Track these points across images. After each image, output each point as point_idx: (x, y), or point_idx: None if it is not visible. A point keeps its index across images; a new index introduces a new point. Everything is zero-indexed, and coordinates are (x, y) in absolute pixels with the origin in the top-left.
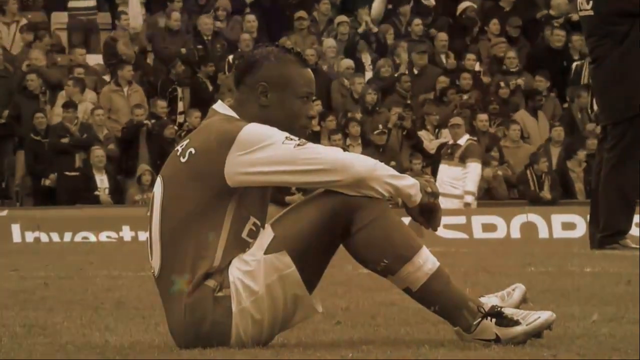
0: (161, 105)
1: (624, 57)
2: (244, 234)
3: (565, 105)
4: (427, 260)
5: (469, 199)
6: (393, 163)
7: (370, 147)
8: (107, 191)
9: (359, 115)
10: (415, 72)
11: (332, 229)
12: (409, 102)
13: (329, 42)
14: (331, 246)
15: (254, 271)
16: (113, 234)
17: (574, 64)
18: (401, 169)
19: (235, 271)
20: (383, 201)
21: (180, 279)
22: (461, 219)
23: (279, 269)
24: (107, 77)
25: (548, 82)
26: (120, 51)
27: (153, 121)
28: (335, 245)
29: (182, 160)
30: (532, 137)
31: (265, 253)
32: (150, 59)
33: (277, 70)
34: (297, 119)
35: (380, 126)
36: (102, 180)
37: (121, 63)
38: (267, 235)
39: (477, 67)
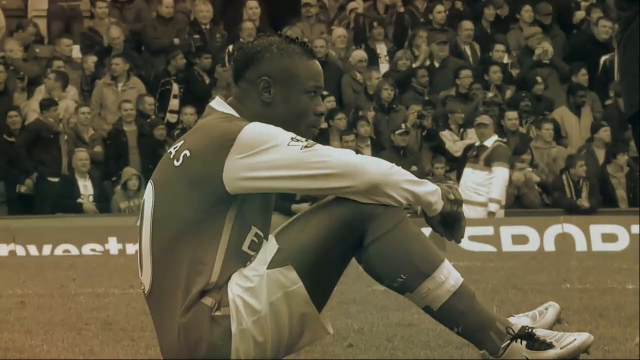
0: (149, 102)
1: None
2: (245, 246)
3: (608, 101)
4: (449, 276)
5: (494, 207)
6: (414, 168)
7: (386, 150)
8: (91, 198)
9: (371, 114)
10: (436, 64)
11: (343, 240)
12: (427, 98)
13: (340, 31)
14: (342, 260)
15: (256, 288)
16: (98, 247)
17: (602, 59)
18: (422, 174)
19: (235, 288)
20: (400, 209)
21: (174, 297)
22: (488, 230)
23: (284, 286)
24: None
25: (587, 77)
26: (110, 42)
27: (147, 120)
28: (346, 259)
29: (176, 163)
30: (571, 137)
31: (268, 267)
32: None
33: (280, 63)
34: (304, 117)
35: (404, 126)
36: (85, 187)
37: (110, 55)
38: (270, 247)
39: (506, 59)
